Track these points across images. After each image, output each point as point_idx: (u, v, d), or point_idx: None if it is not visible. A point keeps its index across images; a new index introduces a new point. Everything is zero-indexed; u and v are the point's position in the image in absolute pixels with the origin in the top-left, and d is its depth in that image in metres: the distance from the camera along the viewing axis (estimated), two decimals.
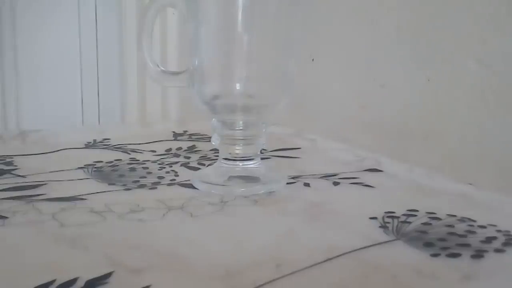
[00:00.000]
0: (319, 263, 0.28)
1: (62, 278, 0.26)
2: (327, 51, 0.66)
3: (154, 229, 0.33)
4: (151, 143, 0.55)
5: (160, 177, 0.43)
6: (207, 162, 0.48)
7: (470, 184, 0.43)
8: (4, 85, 0.89)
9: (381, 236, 0.32)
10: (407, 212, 0.36)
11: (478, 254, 0.30)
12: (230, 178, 0.41)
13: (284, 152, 0.52)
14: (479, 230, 0.33)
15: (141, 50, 0.41)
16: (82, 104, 0.95)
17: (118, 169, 0.45)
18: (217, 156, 0.43)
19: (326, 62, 0.66)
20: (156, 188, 0.41)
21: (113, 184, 0.41)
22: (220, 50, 0.41)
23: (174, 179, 0.43)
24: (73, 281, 0.26)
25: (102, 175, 0.44)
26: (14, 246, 0.31)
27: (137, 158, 0.49)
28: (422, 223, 0.34)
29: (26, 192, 0.39)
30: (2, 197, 0.38)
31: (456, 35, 0.51)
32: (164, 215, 0.35)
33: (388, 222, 0.34)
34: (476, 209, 0.38)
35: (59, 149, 0.52)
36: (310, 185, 0.42)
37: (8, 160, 0.47)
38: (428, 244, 0.31)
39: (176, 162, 0.48)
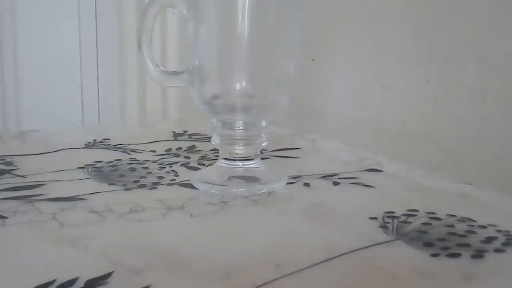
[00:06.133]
0: (319, 263, 0.28)
1: (62, 278, 0.26)
2: (327, 51, 0.66)
3: (154, 229, 0.33)
4: (151, 143, 0.55)
5: (160, 177, 0.43)
6: (207, 162, 0.48)
7: (470, 184, 0.43)
8: (4, 85, 0.89)
9: (381, 236, 0.32)
10: (407, 212, 0.36)
11: (478, 254, 0.30)
12: (230, 178, 0.41)
13: (284, 152, 0.52)
14: (479, 230, 0.33)
15: (141, 50, 0.41)
16: (82, 104, 0.95)
17: (118, 169, 0.45)
18: (217, 156, 0.43)
19: (326, 62, 0.66)
20: (156, 188, 0.41)
21: (113, 184, 0.41)
22: (220, 50, 0.41)
23: (174, 179, 0.43)
24: (73, 281, 0.26)
25: (102, 175, 0.44)
26: (14, 246, 0.31)
27: (137, 158, 0.49)
28: (422, 223, 0.34)
29: (26, 192, 0.39)
30: (2, 197, 0.38)
31: (456, 35, 0.51)
32: (164, 215, 0.35)
33: (388, 222, 0.34)
34: (476, 209, 0.38)
35: (59, 149, 0.52)
36: (310, 185, 0.42)
37: (8, 160, 0.47)
38: (428, 244, 0.31)
39: (176, 162, 0.48)
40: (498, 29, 0.48)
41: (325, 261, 0.29)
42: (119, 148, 0.53)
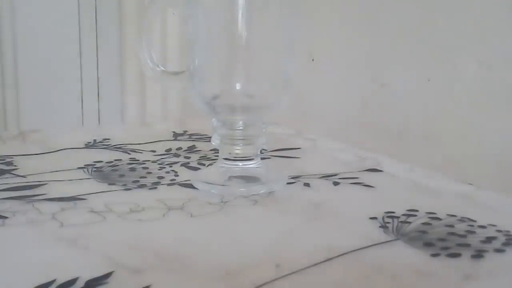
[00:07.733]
0: (319, 263, 0.28)
1: (62, 278, 0.26)
2: (327, 51, 0.66)
3: (154, 229, 0.33)
4: (151, 143, 0.55)
5: (160, 177, 0.43)
6: (207, 162, 0.48)
7: (470, 184, 0.43)
8: (4, 85, 0.89)
9: (381, 236, 0.32)
10: (407, 212, 0.36)
11: (478, 254, 0.30)
12: (230, 178, 0.41)
13: (284, 152, 0.52)
14: (479, 230, 0.33)
15: (141, 50, 0.41)
16: (82, 104, 0.95)
17: (118, 169, 0.45)
18: (217, 156, 0.43)
19: (326, 62, 0.66)
20: (156, 188, 0.41)
21: (113, 184, 0.41)
22: (220, 50, 0.41)
23: (174, 179, 0.43)
24: (73, 281, 0.26)
25: (102, 175, 0.44)
26: (14, 246, 0.31)
27: (137, 158, 0.49)
28: (422, 223, 0.34)
29: (26, 192, 0.39)
30: (2, 197, 0.38)
31: (456, 35, 0.51)
32: (164, 215, 0.35)
33: (388, 222, 0.34)
34: (476, 209, 0.38)
35: (59, 149, 0.52)
36: (310, 185, 0.42)
37: (8, 160, 0.47)
38: (428, 244, 0.31)
39: (176, 162, 0.48)
40: (498, 29, 0.48)
41: (325, 261, 0.29)
42: (119, 148, 0.53)
